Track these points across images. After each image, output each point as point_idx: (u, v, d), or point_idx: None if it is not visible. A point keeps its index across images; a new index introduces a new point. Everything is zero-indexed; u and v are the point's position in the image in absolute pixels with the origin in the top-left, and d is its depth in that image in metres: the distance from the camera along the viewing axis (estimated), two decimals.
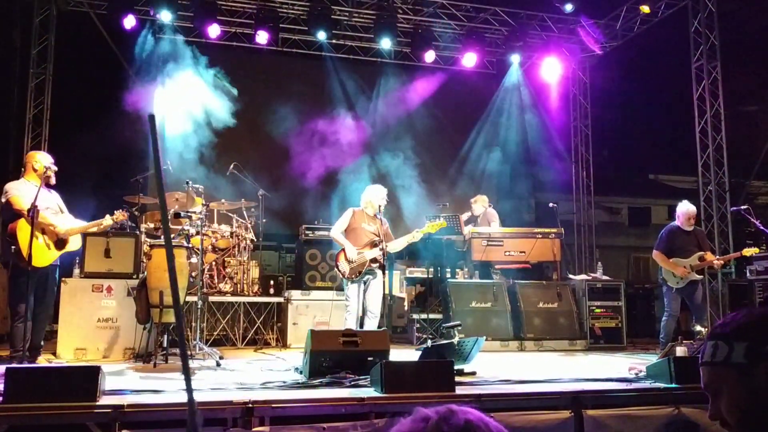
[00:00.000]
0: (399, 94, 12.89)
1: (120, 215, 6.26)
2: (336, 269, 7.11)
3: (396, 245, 6.98)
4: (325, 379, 4.76)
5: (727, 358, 1.38)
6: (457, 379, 4.63)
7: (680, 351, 5.85)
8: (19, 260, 5.55)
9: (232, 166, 9.35)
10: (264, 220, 9.21)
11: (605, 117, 15.74)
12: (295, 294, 8.62)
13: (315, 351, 4.98)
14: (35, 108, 10.74)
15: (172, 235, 7.47)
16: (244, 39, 11.96)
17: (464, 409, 1.04)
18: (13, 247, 5.57)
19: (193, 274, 7.01)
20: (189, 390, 1.21)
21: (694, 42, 11.00)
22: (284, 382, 4.85)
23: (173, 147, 10.86)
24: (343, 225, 7.01)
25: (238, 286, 8.70)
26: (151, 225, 7.98)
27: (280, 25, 11.68)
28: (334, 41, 12.37)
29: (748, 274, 9.44)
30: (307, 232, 9.36)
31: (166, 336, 6.25)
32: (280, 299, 8.69)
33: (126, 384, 4.72)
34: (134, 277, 7.05)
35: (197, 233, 7.02)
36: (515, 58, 12.78)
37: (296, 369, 5.54)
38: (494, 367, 6.04)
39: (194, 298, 6.98)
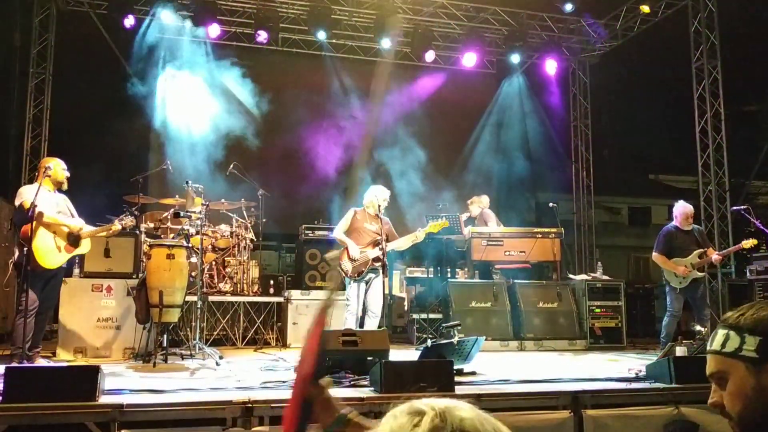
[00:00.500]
0: (399, 93, 12.88)
1: (128, 221, 6.31)
2: (338, 269, 7.13)
3: (399, 244, 7.01)
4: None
5: (738, 349, 1.37)
6: (457, 378, 4.63)
7: (680, 351, 5.84)
8: (29, 261, 5.62)
9: (231, 166, 9.35)
10: (264, 220, 9.21)
11: (605, 117, 15.75)
12: (295, 294, 8.61)
13: None
14: (35, 108, 10.73)
15: (172, 235, 7.48)
16: (244, 38, 11.96)
17: (460, 405, 1.03)
18: (25, 248, 5.63)
19: (193, 273, 7.01)
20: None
21: (695, 42, 10.99)
22: (284, 381, 4.85)
23: (174, 146, 10.88)
24: (345, 225, 7.07)
25: (238, 285, 8.70)
26: (151, 225, 7.98)
27: (280, 25, 11.68)
28: (334, 41, 12.36)
29: (748, 274, 9.43)
30: (306, 231, 9.36)
31: (165, 336, 6.25)
32: (280, 299, 8.69)
33: (125, 384, 4.71)
34: (134, 276, 7.05)
35: (197, 233, 7.02)
36: (515, 58, 12.77)
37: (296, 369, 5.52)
38: (494, 366, 6.04)
39: (194, 298, 6.98)
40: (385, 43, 11.91)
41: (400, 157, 12.16)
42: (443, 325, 7.47)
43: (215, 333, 8.31)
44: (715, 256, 7.54)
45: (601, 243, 14.86)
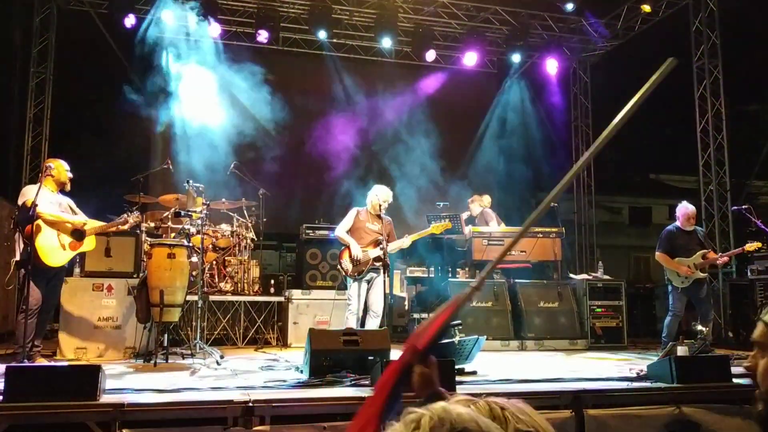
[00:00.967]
0: (399, 93, 12.88)
1: (134, 218, 6.31)
2: (339, 267, 7.14)
3: (390, 248, 6.98)
4: (325, 378, 4.76)
5: None
6: (458, 378, 4.63)
7: (681, 351, 5.84)
8: (33, 259, 5.62)
9: (232, 166, 9.35)
10: (264, 220, 9.20)
11: (606, 116, 15.70)
12: (296, 293, 8.61)
13: (315, 350, 4.98)
14: (36, 107, 10.73)
15: (173, 234, 7.48)
16: (245, 38, 11.96)
17: (456, 407, 1.04)
18: (28, 247, 5.65)
19: (194, 273, 7.01)
20: None
21: (696, 41, 10.98)
22: (285, 381, 4.85)
23: (175, 145, 10.88)
24: (347, 224, 7.08)
25: (239, 285, 8.69)
26: (152, 224, 7.98)
27: (281, 24, 11.67)
28: (334, 40, 12.36)
29: (749, 274, 9.44)
30: (307, 231, 9.35)
31: (166, 335, 6.25)
32: (281, 298, 8.69)
33: (126, 383, 4.71)
34: (135, 276, 7.04)
35: (198, 232, 7.02)
36: (516, 58, 12.76)
37: (297, 368, 5.54)
38: (495, 366, 6.04)
39: (195, 298, 6.97)
40: (386, 43, 11.90)
41: (401, 156, 12.17)
42: None
43: (216, 332, 8.31)
44: (720, 259, 7.55)
45: (602, 243, 14.85)
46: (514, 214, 11.87)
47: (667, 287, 7.71)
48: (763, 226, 7.76)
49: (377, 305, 6.87)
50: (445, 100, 12.92)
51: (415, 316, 9.19)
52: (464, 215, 9.54)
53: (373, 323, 6.83)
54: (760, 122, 19.33)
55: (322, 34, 11.63)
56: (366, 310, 6.91)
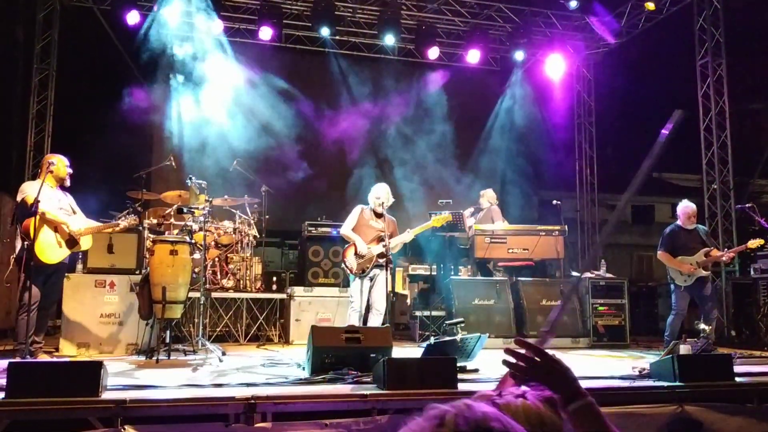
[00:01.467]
0: (402, 90, 12.87)
1: (132, 220, 6.33)
2: (343, 265, 7.17)
3: (393, 244, 7.00)
4: (327, 375, 4.76)
5: None
6: (460, 376, 4.62)
7: (684, 349, 5.83)
8: (30, 256, 5.62)
9: (235, 163, 9.35)
10: (267, 217, 9.20)
11: (609, 114, 15.67)
12: (298, 290, 8.61)
13: (317, 347, 4.98)
14: (38, 103, 10.73)
15: (175, 231, 7.49)
16: (248, 35, 11.95)
17: (480, 405, 1.03)
18: (26, 243, 5.65)
19: (196, 269, 7.01)
20: None
21: (699, 39, 10.94)
22: (286, 378, 4.86)
23: (177, 142, 10.89)
24: (352, 223, 7.14)
25: (241, 282, 8.69)
26: (154, 221, 7.98)
27: (284, 21, 11.66)
28: (337, 37, 12.34)
29: (752, 273, 9.42)
30: (310, 228, 9.34)
31: (168, 332, 6.25)
32: (283, 295, 8.69)
33: (128, 379, 4.72)
34: (137, 272, 7.05)
35: (200, 229, 7.02)
36: (519, 55, 12.74)
37: (299, 365, 5.54)
38: (497, 364, 6.01)
39: (197, 294, 6.98)
40: (389, 40, 11.88)
41: (404, 154, 12.17)
42: (446, 322, 7.48)
43: (218, 329, 8.31)
44: (725, 256, 7.53)
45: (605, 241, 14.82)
46: (516, 211, 11.86)
47: (669, 286, 7.70)
48: (766, 225, 7.74)
49: (380, 303, 6.89)
50: (448, 98, 12.89)
51: (418, 313, 9.19)
52: (469, 210, 9.54)
53: (375, 320, 6.85)
54: (764, 121, 19.26)
55: (325, 31, 11.61)
56: (368, 307, 6.94)
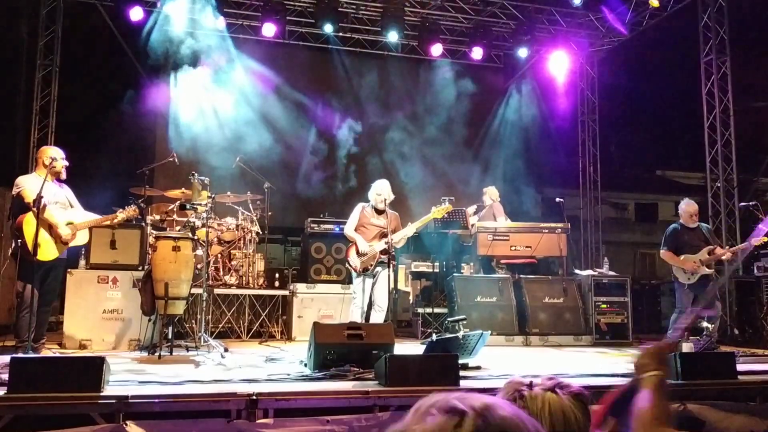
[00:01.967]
0: (405, 87, 12.86)
1: (131, 211, 6.28)
2: (347, 265, 7.17)
3: (395, 238, 6.99)
4: (329, 371, 4.76)
5: None
6: (462, 373, 4.62)
7: (686, 347, 5.82)
8: (24, 253, 5.57)
9: (238, 159, 9.35)
10: (269, 213, 9.20)
11: (613, 112, 15.67)
12: (300, 287, 8.61)
13: (320, 344, 4.98)
14: (42, 99, 10.73)
15: (178, 227, 7.49)
16: (251, 31, 11.94)
17: (499, 406, 1.00)
18: (19, 240, 5.60)
19: (199, 266, 7.01)
20: None
21: (704, 36, 10.90)
22: (288, 374, 4.86)
23: (180, 138, 10.89)
24: (354, 222, 7.14)
25: (244, 278, 8.70)
26: (157, 217, 7.99)
27: (287, 18, 11.65)
28: (341, 34, 12.32)
29: (755, 271, 9.39)
30: (312, 225, 9.35)
31: (170, 328, 6.25)
32: (285, 292, 8.70)
33: (130, 375, 4.72)
34: (140, 268, 7.06)
35: (203, 225, 7.02)
36: (523, 52, 12.71)
37: (301, 362, 5.54)
38: (499, 361, 6.03)
39: (199, 291, 6.97)
40: (392, 37, 11.86)
41: (407, 151, 12.16)
42: (448, 319, 7.47)
43: (220, 325, 8.32)
44: (727, 254, 7.51)
45: (608, 239, 14.82)
46: (519, 209, 11.85)
47: (673, 284, 7.69)
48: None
49: (382, 299, 6.89)
50: (451, 95, 12.87)
51: (420, 310, 9.19)
52: (472, 207, 9.54)
53: (377, 317, 6.86)
54: None
55: (328, 28, 11.59)
56: (371, 304, 6.94)
